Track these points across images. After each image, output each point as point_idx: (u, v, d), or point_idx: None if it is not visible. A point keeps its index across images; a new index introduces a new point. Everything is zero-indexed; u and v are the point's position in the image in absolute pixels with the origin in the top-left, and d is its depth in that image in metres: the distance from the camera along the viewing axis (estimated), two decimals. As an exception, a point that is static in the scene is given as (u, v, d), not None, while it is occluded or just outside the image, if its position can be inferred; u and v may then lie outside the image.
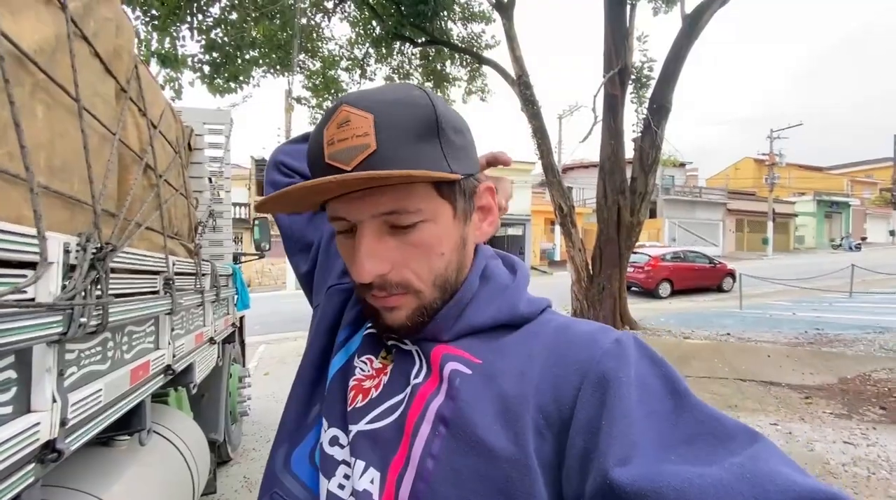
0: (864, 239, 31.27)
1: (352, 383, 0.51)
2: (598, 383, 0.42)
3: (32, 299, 0.74)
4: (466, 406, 0.44)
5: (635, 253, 12.84)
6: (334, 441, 0.50)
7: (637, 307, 9.67)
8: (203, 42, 5.39)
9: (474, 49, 8.39)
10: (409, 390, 0.48)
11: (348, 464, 0.48)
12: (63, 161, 0.96)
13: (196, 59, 5.35)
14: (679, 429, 0.40)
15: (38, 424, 0.75)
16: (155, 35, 4.66)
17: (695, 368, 4.96)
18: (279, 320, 9.60)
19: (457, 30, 8.32)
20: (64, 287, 0.81)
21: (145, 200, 1.42)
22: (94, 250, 0.89)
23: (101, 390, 0.99)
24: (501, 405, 0.44)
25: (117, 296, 1.05)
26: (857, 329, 6.71)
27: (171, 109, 1.93)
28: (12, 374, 0.72)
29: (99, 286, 0.91)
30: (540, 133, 7.22)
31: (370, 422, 0.48)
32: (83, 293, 0.85)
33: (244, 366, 3.71)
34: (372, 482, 0.45)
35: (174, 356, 1.54)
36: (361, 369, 0.52)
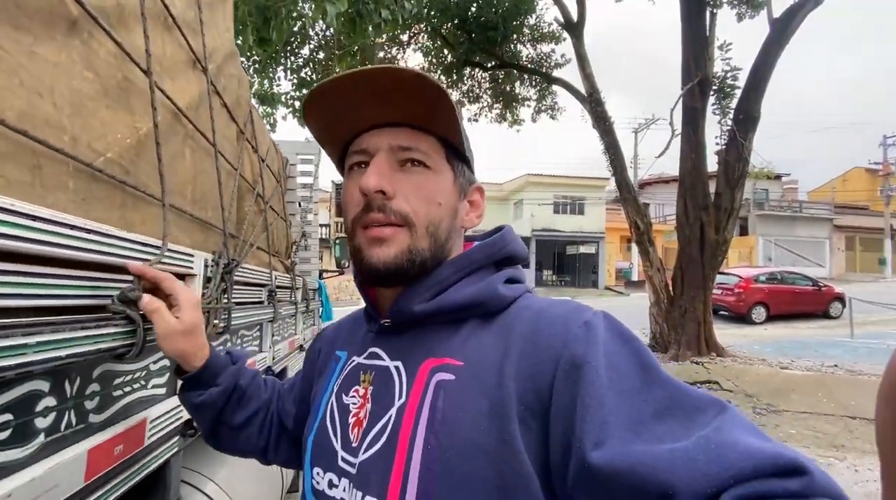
0: None
1: (351, 420, 0.53)
2: (569, 369, 0.43)
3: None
4: (453, 414, 0.46)
5: (723, 274, 11.84)
6: (331, 485, 0.52)
7: (726, 333, 8.91)
8: (294, 80, 6.02)
9: (543, 69, 8.46)
10: (393, 412, 0.49)
11: None
12: (202, 193, 1.18)
13: (288, 96, 5.97)
14: (649, 406, 0.41)
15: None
16: (255, 77, 5.29)
17: (794, 402, 4.47)
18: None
19: (526, 51, 8.46)
20: (203, 294, 1.00)
21: (255, 224, 1.66)
22: (224, 265, 1.09)
23: (223, 382, 1.18)
24: (487, 403, 0.45)
25: (237, 304, 1.25)
26: None
27: (274, 144, 2.22)
28: (167, 362, 0.91)
29: (226, 295, 1.11)
30: (613, 149, 7.06)
31: (365, 450, 0.50)
32: (216, 300, 1.04)
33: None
34: None
35: (273, 359, 1.75)
36: (353, 403, 0.54)
